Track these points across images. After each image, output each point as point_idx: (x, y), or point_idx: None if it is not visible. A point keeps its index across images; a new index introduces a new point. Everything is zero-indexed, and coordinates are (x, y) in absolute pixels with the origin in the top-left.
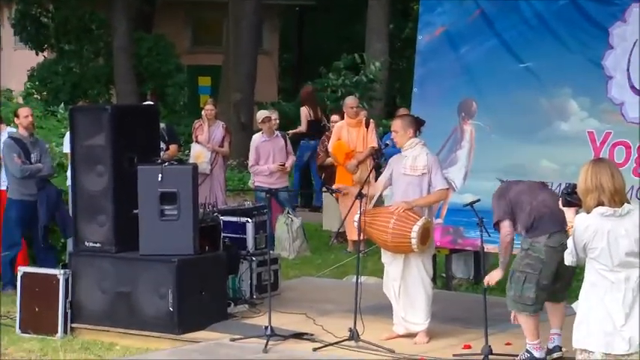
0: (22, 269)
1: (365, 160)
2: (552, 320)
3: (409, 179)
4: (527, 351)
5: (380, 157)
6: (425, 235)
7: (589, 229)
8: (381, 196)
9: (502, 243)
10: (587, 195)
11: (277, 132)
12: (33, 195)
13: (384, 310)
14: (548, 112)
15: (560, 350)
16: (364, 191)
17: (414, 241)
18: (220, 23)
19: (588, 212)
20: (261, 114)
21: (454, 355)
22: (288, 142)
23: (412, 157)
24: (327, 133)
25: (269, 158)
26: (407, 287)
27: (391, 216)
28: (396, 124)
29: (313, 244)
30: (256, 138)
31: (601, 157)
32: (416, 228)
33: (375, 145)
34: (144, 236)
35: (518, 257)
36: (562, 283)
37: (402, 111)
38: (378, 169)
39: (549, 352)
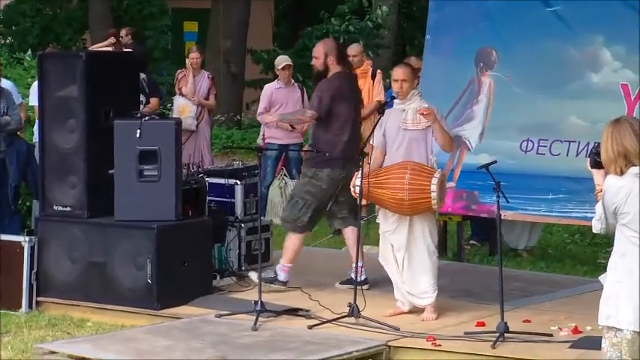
0: None
1: (369, 116)
2: (352, 250)
3: (413, 134)
4: (275, 271)
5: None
6: (442, 189)
7: (621, 191)
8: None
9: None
10: (610, 165)
11: (294, 82)
12: (1, 152)
13: (387, 283)
14: (578, 62)
15: (368, 284)
16: (367, 150)
17: (434, 194)
18: None
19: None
20: (282, 59)
21: (465, 333)
22: (306, 94)
23: (412, 110)
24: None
25: (281, 109)
26: (411, 257)
27: (405, 170)
28: (404, 72)
29: None
30: (270, 85)
31: (620, 116)
32: (435, 181)
33: (382, 98)
34: (120, 200)
35: (300, 183)
36: (348, 207)
37: (413, 60)
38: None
39: (352, 281)
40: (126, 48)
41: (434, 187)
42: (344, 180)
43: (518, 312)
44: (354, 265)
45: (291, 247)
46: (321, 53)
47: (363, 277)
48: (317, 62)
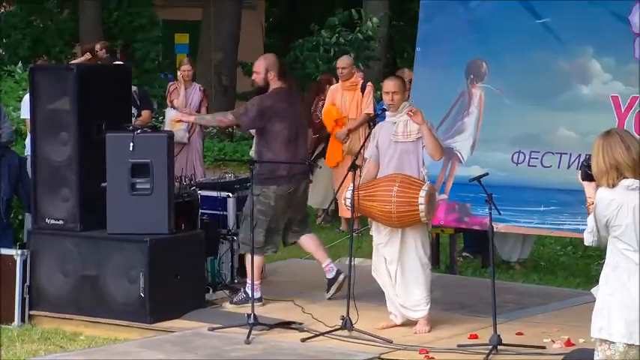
0: None
1: (357, 128)
2: (316, 254)
3: (404, 147)
4: (245, 291)
5: (375, 125)
6: (431, 202)
7: (612, 204)
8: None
9: (219, 120)
10: (602, 177)
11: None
12: None
13: (380, 296)
14: (568, 74)
15: (342, 273)
16: (358, 162)
17: (422, 207)
18: None
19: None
20: None
21: (459, 346)
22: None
23: (403, 122)
24: (320, 95)
25: None
26: (404, 270)
27: (393, 183)
28: (395, 85)
29: None
30: None
31: (610, 128)
32: (423, 193)
33: (371, 111)
34: (112, 213)
35: (249, 202)
36: (299, 221)
37: (405, 72)
38: None
39: (332, 281)
40: (102, 62)
41: (422, 200)
42: (291, 196)
43: (511, 324)
44: (323, 266)
45: (255, 265)
46: (261, 68)
47: (332, 275)
48: (257, 77)
